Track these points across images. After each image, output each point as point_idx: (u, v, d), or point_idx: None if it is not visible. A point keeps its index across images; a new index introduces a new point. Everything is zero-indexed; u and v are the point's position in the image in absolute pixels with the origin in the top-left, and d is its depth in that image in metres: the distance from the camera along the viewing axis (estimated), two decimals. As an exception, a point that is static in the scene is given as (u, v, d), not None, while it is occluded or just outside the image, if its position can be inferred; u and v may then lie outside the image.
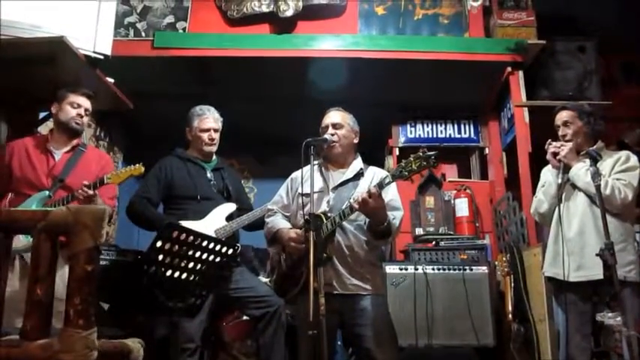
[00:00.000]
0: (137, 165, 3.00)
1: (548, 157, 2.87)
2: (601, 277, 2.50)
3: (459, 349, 3.45)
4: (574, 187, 2.79)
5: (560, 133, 2.89)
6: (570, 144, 2.80)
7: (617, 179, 2.64)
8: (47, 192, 2.89)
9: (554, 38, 4.22)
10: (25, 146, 3.02)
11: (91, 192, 2.81)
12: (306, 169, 2.60)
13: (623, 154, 2.78)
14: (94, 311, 1.44)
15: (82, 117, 3.06)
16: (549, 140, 2.90)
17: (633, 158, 2.77)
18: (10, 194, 2.95)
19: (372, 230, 2.52)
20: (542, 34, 4.18)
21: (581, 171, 2.72)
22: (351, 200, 2.44)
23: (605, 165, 2.70)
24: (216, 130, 3.37)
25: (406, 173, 2.31)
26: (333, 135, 2.67)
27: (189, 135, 3.39)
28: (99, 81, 3.40)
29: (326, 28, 4.36)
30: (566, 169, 2.78)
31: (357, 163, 2.76)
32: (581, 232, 2.72)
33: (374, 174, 2.72)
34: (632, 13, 4.29)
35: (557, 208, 2.80)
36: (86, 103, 3.08)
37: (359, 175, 2.71)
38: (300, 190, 2.68)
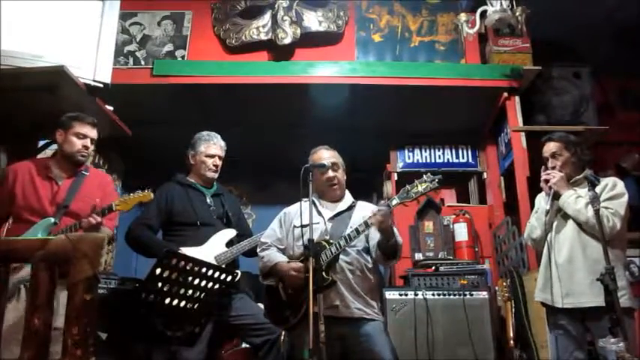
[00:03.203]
0: (146, 191, 2.96)
1: (541, 184, 2.92)
2: (589, 304, 2.59)
3: (461, 376, 3.41)
4: (564, 214, 2.82)
5: (549, 165, 2.92)
6: (562, 173, 2.84)
7: (605, 207, 2.63)
8: (52, 219, 2.82)
9: (549, 64, 4.28)
10: (29, 170, 2.94)
11: (99, 219, 2.78)
12: (298, 205, 2.69)
13: (610, 180, 2.78)
14: (92, 341, 1.42)
15: (87, 148, 2.99)
16: (543, 167, 2.95)
17: (620, 185, 2.78)
18: (9, 221, 2.88)
19: (383, 247, 2.56)
20: (538, 60, 4.24)
21: (570, 198, 2.75)
22: (369, 216, 2.49)
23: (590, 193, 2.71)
24: (220, 158, 3.39)
25: (413, 195, 2.47)
26: (333, 178, 2.77)
27: (193, 159, 3.39)
28: (98, 109, 3.41)
29: (324, 56, 4.42)
30: (557, 196, 2.80)
31: (349, 197, 2.88)
32: (570, 259, 2.74)
33: (364, 206, 2.82)
34: (628, 40, 4.36)
35: (547, 235, 2.82)
36: (92, 132, 3.01)
37: (351, 207, 2.81)
38: (294, 223, 2.76)
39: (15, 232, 2.78)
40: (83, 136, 2.97)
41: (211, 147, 3.37)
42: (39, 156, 3.78)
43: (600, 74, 4.39)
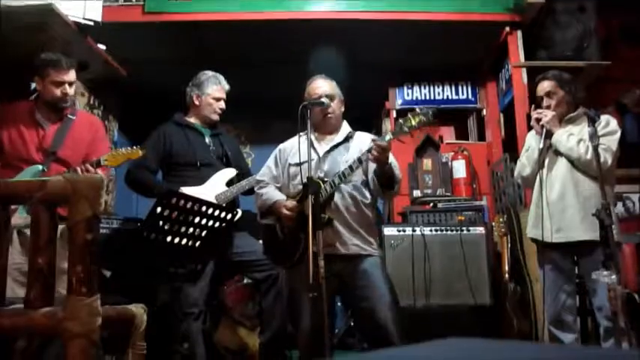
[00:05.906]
0: (135, 148, 2.88)
1: (532, 123, 2.94)
2: (580, 239, 2.68)
3: (457, 309, 3.52)
4: (556, 152, 2.85)
5: (544, 104, 2.92)
6: (553, 112, 2.85)
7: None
8: (40, 166, 2.76)
9: (553, -3, 4.15)
10: (13, 115, 2.85)
11: (92, 170, 2.71)
12: (295, 140, 2.65)
13: (604, 118, 2.79)
14: (96, 278, 1.45)
15: (66, 94, 2.85)
16: (533, 106, 2.97)
17: (613, 122, 2.81)
18: None
19: (379, 176, 2.53)
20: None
21: (563, 137, 2.78)
22: (372, 146, 2.39)
23: (585, 130, 2.71)
24: (225, 101, 3.36)
25: (406, 129, 2.36)
26: (328, 106, 2.67)
27: (198, 100, 3.33)
28: (90, 48, 3.34)
29: (321, -10, 4.28)
30: (549, 134, 2.82)
31: (345, 128, 2.78)
32: (562, 196, 2.79)
33: (362, 137, 2.75)
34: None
35: (539, 173, 2.85)
36: (69, 76, 2.85)
37: (348, 139, 2.73)
38: (289, 161, 2.72)
39: (2, 177, 2.68)
40: (60, 83, 2.83)
41: (220, 89, 3.33)
42: (32, 97, 3.73)
43: (604, 9, 4.26)
